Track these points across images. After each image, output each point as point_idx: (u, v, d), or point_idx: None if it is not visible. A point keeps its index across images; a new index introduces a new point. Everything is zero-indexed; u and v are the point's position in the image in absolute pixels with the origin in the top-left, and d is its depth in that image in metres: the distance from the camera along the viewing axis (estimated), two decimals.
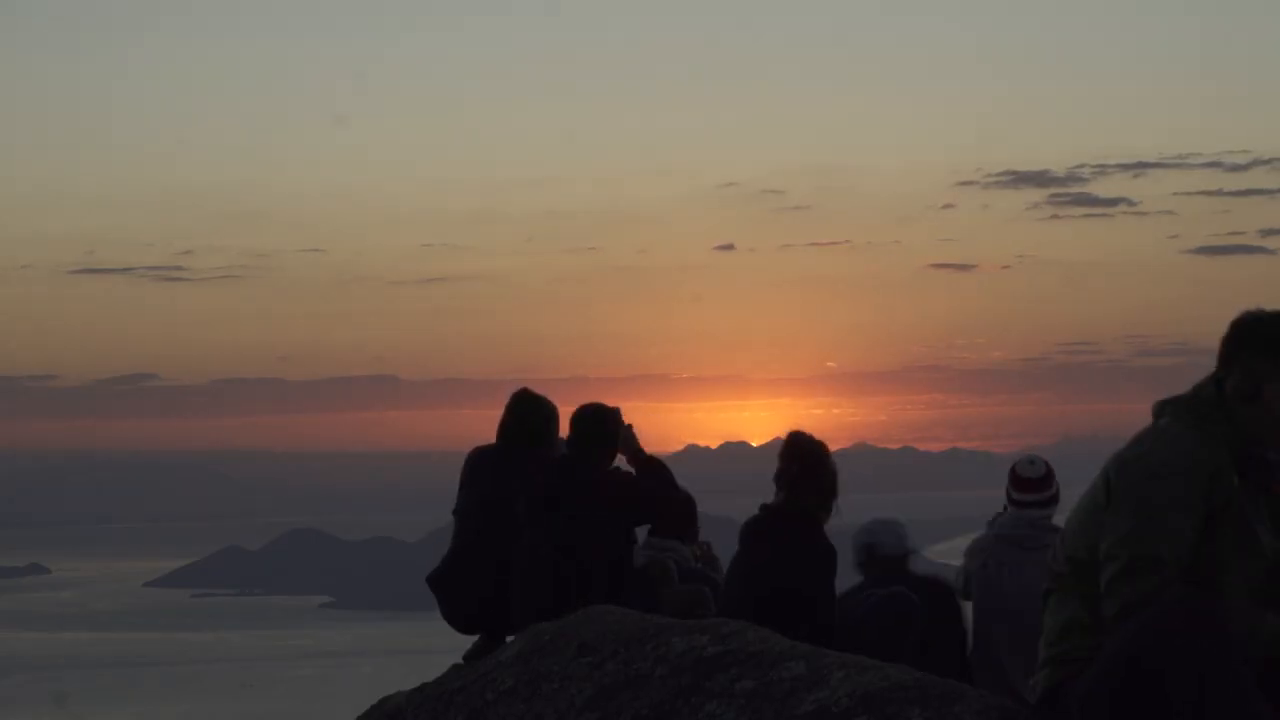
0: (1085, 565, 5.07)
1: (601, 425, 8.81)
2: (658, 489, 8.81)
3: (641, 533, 9.01)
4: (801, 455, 8.08)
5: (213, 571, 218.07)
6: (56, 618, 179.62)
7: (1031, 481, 8.83)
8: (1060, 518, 7.82)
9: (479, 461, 9.25)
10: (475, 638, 9.07)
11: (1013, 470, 8.90)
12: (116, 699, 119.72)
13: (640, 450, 8.95)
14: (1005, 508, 8.94)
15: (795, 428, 8.25)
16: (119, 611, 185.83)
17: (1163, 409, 5.20)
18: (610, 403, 8.97)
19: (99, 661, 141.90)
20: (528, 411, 9.25)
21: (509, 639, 8.05)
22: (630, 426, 8.95)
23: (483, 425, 9.47)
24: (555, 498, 8.61)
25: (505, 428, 9.26)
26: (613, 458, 8.84)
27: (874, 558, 8.92)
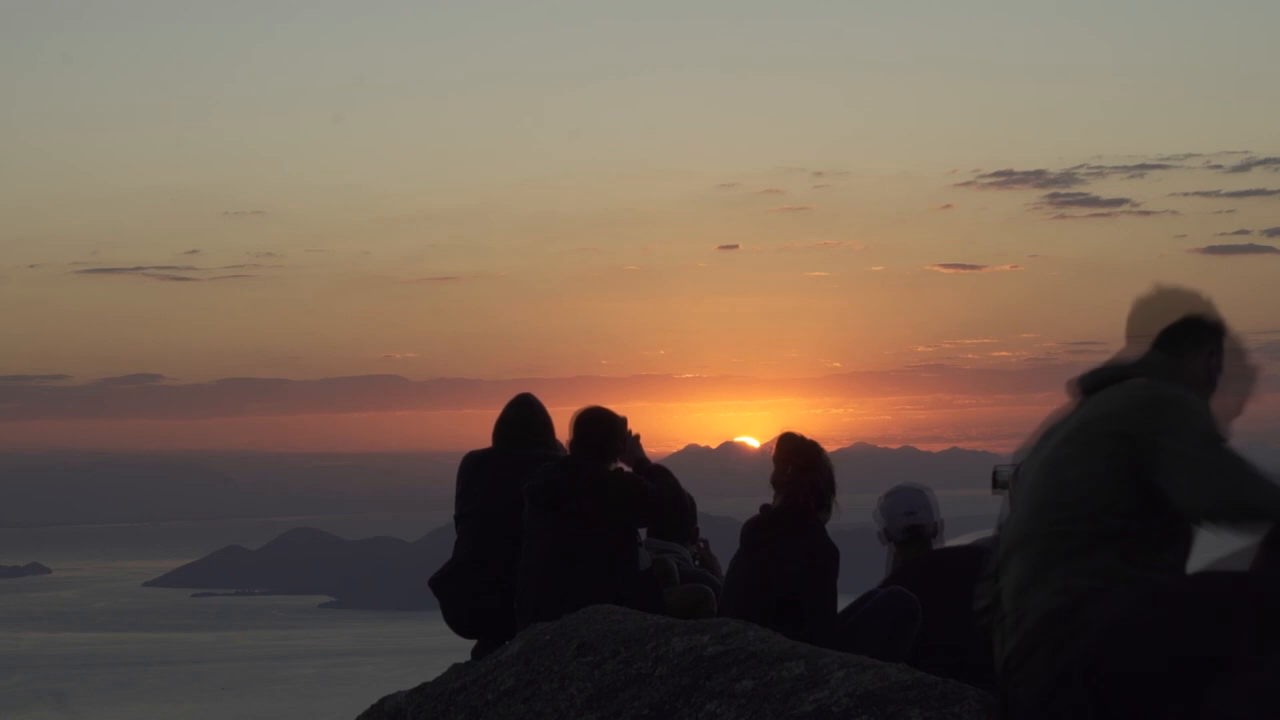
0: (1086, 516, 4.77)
1: (604, 429, 8.78)
2: (659, 490, 8.79)
3: (641, 534, 9.00)
4: (795, 456, 8.04)
5: (213, 571, 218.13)
6: (56, 618, 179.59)
7: None
8: None
9: (476, 465, 9.25)
10: (475, 641, 9.08)
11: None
12: (116, 699, 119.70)
13: (645, 459, 8.91)
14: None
15: (794, 428, 8.21)
16: (119, 611, 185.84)
17: (1124, 372, 4.96)
18: (611, 404, 8.95)
19: (99, 661, 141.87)
20: (524, 415, 9.26)
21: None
22: (637, 436, 8.93)
23: (486, 426, 9.46)
24: (556, 498, 8.59)
25: (502, 430, 9.28)
26: (614, 463, 8.80)
27: (920, 537, 8.36)
